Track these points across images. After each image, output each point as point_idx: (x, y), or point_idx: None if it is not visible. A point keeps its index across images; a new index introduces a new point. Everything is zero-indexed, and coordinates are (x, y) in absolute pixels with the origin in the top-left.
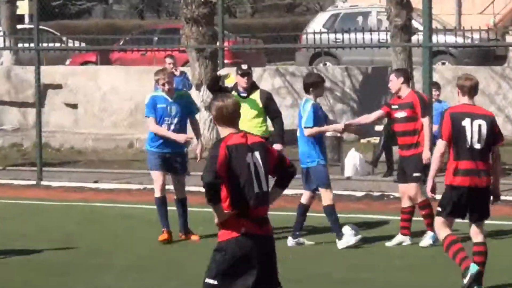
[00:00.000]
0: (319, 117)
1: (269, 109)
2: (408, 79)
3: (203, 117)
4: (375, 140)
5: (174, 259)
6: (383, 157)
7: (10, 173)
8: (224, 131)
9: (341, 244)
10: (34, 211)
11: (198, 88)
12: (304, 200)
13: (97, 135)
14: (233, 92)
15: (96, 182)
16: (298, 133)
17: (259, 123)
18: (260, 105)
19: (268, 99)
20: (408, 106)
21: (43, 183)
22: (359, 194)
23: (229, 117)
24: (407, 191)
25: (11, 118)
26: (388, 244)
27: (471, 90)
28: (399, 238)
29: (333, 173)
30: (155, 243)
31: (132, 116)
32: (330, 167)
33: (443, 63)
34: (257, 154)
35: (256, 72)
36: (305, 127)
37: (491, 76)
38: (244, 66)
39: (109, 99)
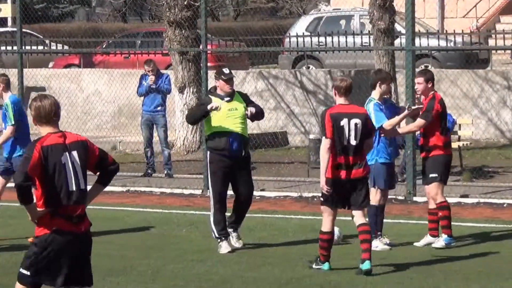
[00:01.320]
0: (384, 113)
1: (249, 100)
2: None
3: (184, 120)
4: None
5: (157, 261)
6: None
7: None
8: (43, 131)
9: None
10: (17, 213)
11: (181, 91)
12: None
13: None
14: (213, 98)
15: None
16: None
17: (245, 124)
18: (243, 106)
19: (247, 96)
20: None
21: None
22: None
23: (46, 117)
24: (429, 192)
25: None
26: (416, 244)
27: (347, 91)
28: (428, 239)
29: (317, 175)
30: (138, 246)
31: (115, 119)
32: (313, 169)
33: (426, 66)
34: (74, 153)
35: (240, 75)
36: (378, 128)
37: (474, 79)
38: (226, 71)
39: (92, 102)
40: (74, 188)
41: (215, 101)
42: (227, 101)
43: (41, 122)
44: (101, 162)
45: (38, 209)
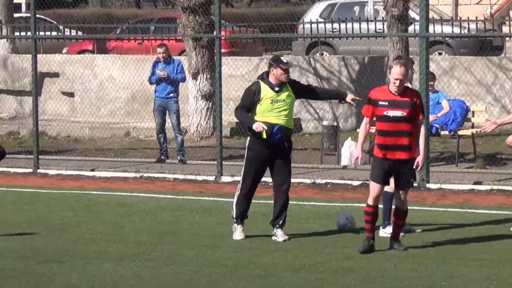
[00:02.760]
0: None
1: (303, 87)
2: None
3: (200, 106)
4: (372, 129)
5: (170, 247)
6: None
7: (7, 161)
8: None
9: (381, 232)
10: (31, 199)
11: (195, 77)
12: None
13: (93, 123)
14: (262, 84)
15: (92, 170)
16: None
17: (291, 116)
18: (292, 98)
19: (296, 83)
20: None
21: (40, 171)
22: (356, 183)
23: None
24: None
25: (7, 106)
26: (418, 230)
27: None
28: None
29: (330, 162)
30: (151, 231)
31: (129, 105)
32: (326, 156)
33: (440, 53)
34: None
35: (253, 61)
36: None
37: (487, 66)
38: (285, 59)
39: (106, 88)
40: None
41: (265, 90)
42: (276, 91)
43: None
44: None
45: None
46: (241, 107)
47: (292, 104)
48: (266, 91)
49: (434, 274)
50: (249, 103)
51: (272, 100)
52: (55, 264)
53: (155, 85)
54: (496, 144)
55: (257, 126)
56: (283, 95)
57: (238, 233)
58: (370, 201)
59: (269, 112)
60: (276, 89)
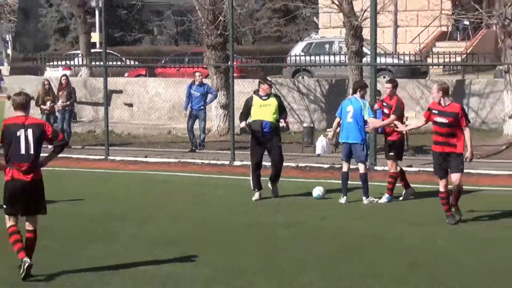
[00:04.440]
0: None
1: (280, 105)
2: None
3: (219, 113)
4: (337, 129)
5: (204, 213)
6: None
7: (87, 151)
8: (15, 114)
9: (341, 199)
10: (103, 177)
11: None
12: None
13: (146, 125)
14: (255, 96)
15: (146, 157)
16: (350, 120)
17: (276, 114)
18: (276, 103)
19: (279, 99)
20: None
21: (109, 158)
22: (326, 166)
23: (16, 106)
24: (389, 164)
25: (87, 113)
26: (379, 201)
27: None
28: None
29: (308, 152)
30: (187, 201)
31: (170, 112)
32: (305, 148)
33: (384, 77)
34: (30, 130)
35: (256, 82)
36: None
37: (417, 86)
38: (269, 79)
39: (154, 101)
40: (23, 152)
41: (256, 99)
42: (264, 99)
43: (14, 108)
44: (51, 139)
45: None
46: (241, 112)
47: (275, 108)
48: (256, 100)
49: (381, 231)
50: (246, 109)
51: (260, 105)
52: (112, 225)
53: (190, 99)
54: (422, 139)
55: (242, 125)
56: (269, 101)
57: (255, 196)
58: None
59: (259, 113)
60: (264, 98)
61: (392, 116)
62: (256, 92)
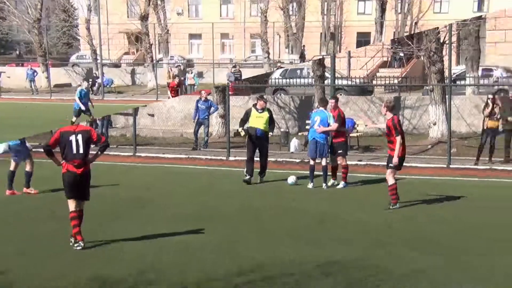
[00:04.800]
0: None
1: (271, 118)
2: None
3: (218, 121)
4: (305, 133)
5: (204, 198)
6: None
7: (119, 149)
8: (67, 125)
9: (309, 185)
10: (131, 169)
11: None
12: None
13: (164, 130)
14: (253, 109)
15: (163, 154)
16: (316, 126)
17: (266, 124)
18: (268, 116)
19: (270, 113)
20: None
21: (137, 154)
22: (297, 160)
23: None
24: (339, 160)
25: (120, 121)
26: (334, 185)
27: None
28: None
29: (284, 150)
30: (192, 186)
31: (182, 120)
32: (283, 147)
33: (340, 94)
34: (79, 135)
35: (245, 98)
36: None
37: (365, 101)
38: (265, 97)
39: (170, 112)
40: (75, 152)
41: (253, 111)
42: (260, 112)
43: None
44: (96, 141)
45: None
46: (241, 119)
47: (267, 119)
48: (253, 112)
49: (338, 209)
50: (245, 117)
51: (256, 116)
52: (139, 208)
53: (197, 111)
54: (369, 141)
55: (239, 129)
56: (262, 114)
57: (246, 178)
58: None
59: (255, 122)
60: (259, 111)
61: (335, 124)
62: (254, 105)
